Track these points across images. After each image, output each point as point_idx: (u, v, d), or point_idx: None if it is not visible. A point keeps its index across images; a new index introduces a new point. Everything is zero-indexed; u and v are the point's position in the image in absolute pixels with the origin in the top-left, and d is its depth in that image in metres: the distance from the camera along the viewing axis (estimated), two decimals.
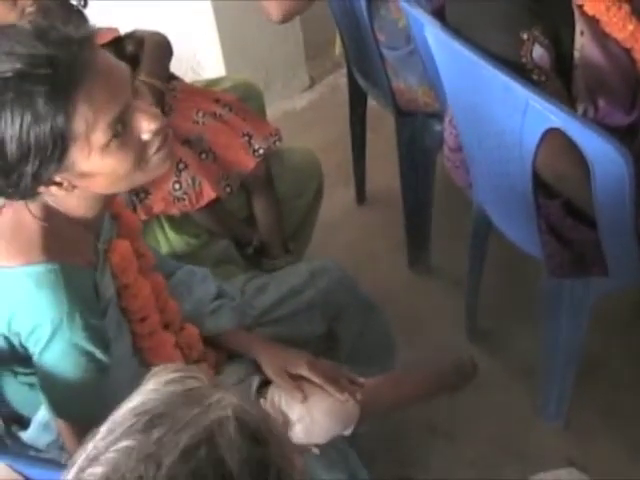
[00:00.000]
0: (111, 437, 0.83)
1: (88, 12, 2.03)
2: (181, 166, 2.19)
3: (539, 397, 2.43)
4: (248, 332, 1.93)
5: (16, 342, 1.50)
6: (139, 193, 2.16)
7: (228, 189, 2.28)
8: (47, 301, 1.43)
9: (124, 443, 0.81)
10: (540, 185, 1.95)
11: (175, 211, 2.22)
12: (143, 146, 1.44)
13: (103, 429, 0.85)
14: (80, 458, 0.84)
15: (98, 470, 0.81)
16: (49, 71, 1.31)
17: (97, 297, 1.54)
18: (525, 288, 2.71)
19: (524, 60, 1.84)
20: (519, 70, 1.83)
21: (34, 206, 1.48)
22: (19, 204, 1.49)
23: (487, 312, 2.69)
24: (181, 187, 2.19)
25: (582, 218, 1.97)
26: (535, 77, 1.85)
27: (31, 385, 1.60)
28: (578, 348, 2.25)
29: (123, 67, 1.43)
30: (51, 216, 1.49)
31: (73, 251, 1.50)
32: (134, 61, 2.22)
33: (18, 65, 1.31)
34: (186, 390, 0.86)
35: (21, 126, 1.32)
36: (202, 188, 2.20)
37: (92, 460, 0.82)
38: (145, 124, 1.42)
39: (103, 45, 2.13)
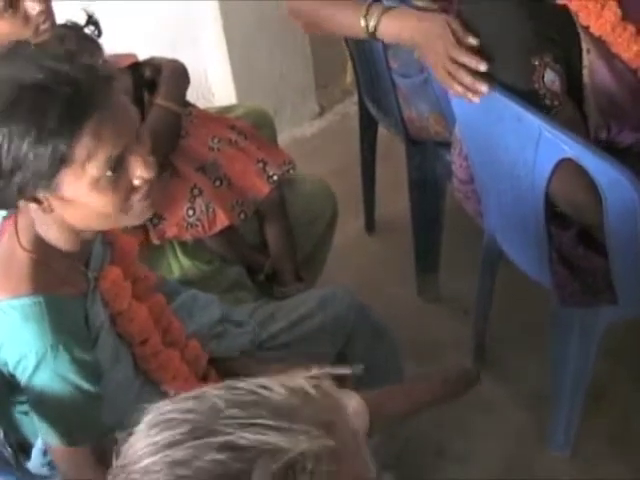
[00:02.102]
0: None
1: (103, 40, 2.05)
2: (195, 192, 2.21)
3: (547, 425, 2.43)
4: (248, 358, 1.93)
5: (5, 371, 1.53)
6: (153, 218, 2.17)
7: (242, 215, 2.29)
8: (32, 333, 1.45)
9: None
10: (553, 215, 1.96)
11: (188, 237, 2.24)
12: (131, 191, 1.46)
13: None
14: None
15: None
16: (70, 90, 1.32)
17: (87, 326, 1.55)
18: (534, 315, 2.69)
19: (536, 86, 1.84)
20: (532, 96, 1.84)
21: (25, 239, 1.50)
22: (10, 236, 1.51)
23: (496, 339, 2.69)
24: (195, 213, 2.20)
25: (594, 246, 1.97)
26: (548, 102, 1.85)
27: (26, 413, 1.61)
28: (586, 375, 2.25)
29: (134, 111, 1.47)
30: (41, 248, 1.50)
31: (62, 281, 1.51)
32: (151, 86, 2.24)
33: (40, 76, 1.32)
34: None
35: (24, 140, 1.32)
36: (215, 215, 2.22)
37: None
38: (139, 170, 1.44)
39: (121, 70, 2.17)
